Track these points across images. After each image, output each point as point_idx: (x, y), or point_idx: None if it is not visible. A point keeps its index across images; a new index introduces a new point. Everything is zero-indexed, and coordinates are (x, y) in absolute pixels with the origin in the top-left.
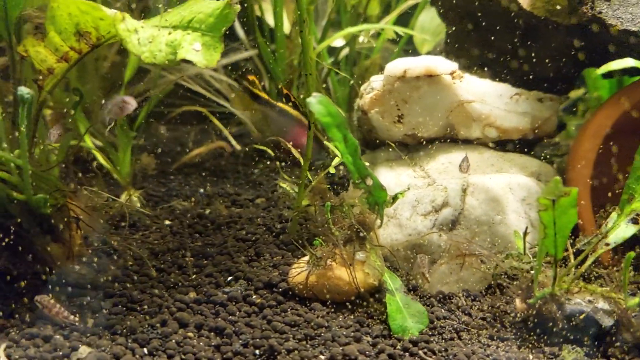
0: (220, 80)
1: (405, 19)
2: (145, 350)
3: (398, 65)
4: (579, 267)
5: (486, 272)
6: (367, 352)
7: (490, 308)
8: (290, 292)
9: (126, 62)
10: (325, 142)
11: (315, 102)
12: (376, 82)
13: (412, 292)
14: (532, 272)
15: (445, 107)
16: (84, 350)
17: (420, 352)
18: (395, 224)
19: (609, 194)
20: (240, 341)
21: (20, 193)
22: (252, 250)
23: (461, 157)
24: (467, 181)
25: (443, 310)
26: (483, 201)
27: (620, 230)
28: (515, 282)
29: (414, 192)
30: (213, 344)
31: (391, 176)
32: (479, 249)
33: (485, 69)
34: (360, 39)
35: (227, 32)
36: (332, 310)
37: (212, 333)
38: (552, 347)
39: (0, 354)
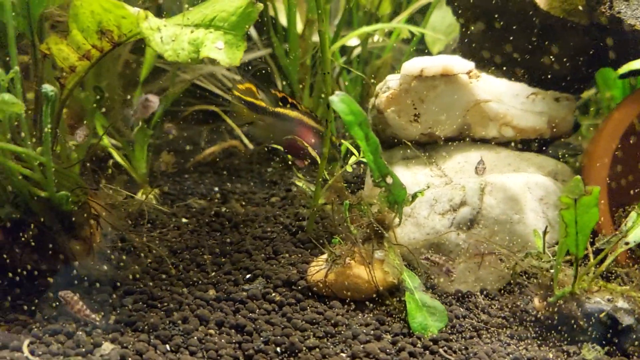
0: (233, 79)
1: (416, 19)
2: (167, 347)
3: (415, 65)
4: (598, 266)
5: (504, 271)
6: (387, 350)
7: (509, 307)
8: (309, 290)
9: (140, 61)
10: (341, 141)
11: (338, 100)
12: (392, 81)
13: (430, 291)
14: (552, 271)
15: (461, 107)
16: (106, 346)
17: (441, 350)
18: (412, 223)
19: (627, 194)
20: (262, 338)
21: (43, 190)
22: (269, 248)
23: (478, 156)
24: (485, 180)
25: (462, 309)
26: (501, 200)
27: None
28: (533, 281)
29: (432, 191)
30: (234, 341)
31: (408, 175)
32: (498, 247)
33: (503, 68)
34: (375, 38)
35: None
36: (352, 308)
37: (233, 330)
38: (572, 346)
39: (24, 350)
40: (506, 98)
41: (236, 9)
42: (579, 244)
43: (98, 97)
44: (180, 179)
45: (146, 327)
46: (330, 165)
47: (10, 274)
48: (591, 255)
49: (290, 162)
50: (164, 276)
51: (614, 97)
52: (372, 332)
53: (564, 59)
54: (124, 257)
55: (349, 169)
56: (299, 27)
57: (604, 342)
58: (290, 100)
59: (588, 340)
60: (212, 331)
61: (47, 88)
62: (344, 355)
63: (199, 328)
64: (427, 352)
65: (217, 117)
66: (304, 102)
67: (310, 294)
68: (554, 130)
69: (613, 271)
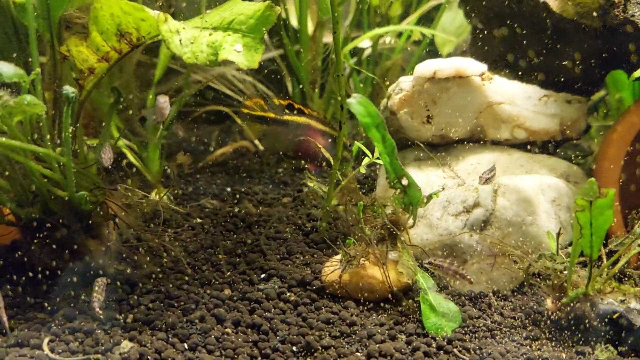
0: (244, 80)
1: (425, 21)
2: (185, 345)
3: (428, 67)
4: (611, 267)
5: (516, 273)
6: (402, 350)
7: (521, 307)
8: (323, 290)
9: (152, 62)
10: (352, 142)
11: (356, 102)
12: (405, 83)
13: (443, 292)
14: (566, 272)
15: (474, 108)
16: (126, 345)
17: (455, 350)
18: (425, 224)
19: (639, 196)
20: (278, 338)
21: (62, 190)
22: (283, 248)
23: (490, 157)
24: (498, 182)
25: (475, 310)
26: (514, 202)
27: None
28: (546, 282)
29: (445, 193)
30: (251, 340)
31: (420, 176)
32: (512, 249)
33: (515, 70)
34: (387, 40)
35: None
36: (366, 308)
37: (250, 329)
38: (585, 346)
39: (44, 348)
40: (519, 100)
41: (254, 12)
42: (593, 246)
43: (115, 98)
44: (193, 179)
45: (164, 326)
46: (343, 166)
47: (29, 273)
48: (604, 257)
49: (302, 164)
50: (179, 275)
51: (624, 99)
52: (386, 332)
53: (576, 62)
54: (140, 257)
55: (362, 170)
56: (310, 28)
57: (617, 343)
58: (296, 105)
59: (601, 341)
60: (228, 330)
61: (68, 89)
62: (359, 354)
63: (216, 327)
64: (442, 352)
65: (227, 118)
66: (314, 103)
67: (324, 294)
68: (566, 132)
69: (626, 273)
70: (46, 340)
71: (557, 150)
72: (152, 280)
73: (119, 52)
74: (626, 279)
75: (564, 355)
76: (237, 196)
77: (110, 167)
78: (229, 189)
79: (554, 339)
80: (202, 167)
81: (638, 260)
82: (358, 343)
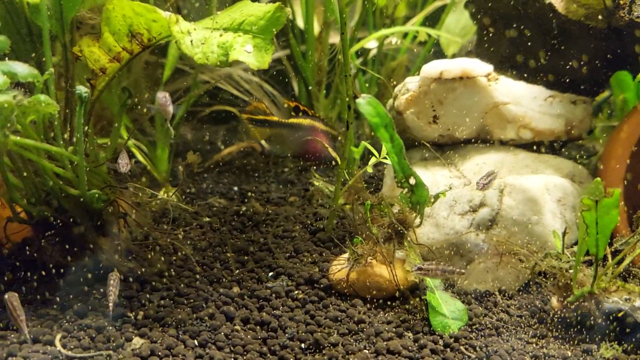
0: (250, 81)
1: (430, 21)
2: (195, 342)
3: (434, 67)
4: (616, 266)
5: (522, 271)
6: (410, 348)
7: (527, 306)
8: (331, 289)
9: (159, 62)
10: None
11: (365, 103)
12: (411, 83)
13: (449, 290)
14: (571, 271)
15: (480, 109)
16: (137, 341)
17: (462, 347)
18: (432, 224)
19: None
20: (287, 335)
21: (74, 189)
22: (290, 247)
23: (496, 157)
24: (504, 182)
25: (481, 308)
26: (520, 201)
27: None
28: (551, 281)
29: (451, 192)
30: (260, 337)
31: (427, 176)
32: (518, 248)
33: (520, 71)
34: (394, 40)
35: None
36: (373, 306)
37: (258, 327)
38: (590, 344)
39: (56, 344)
40: (524, 100)
41: (264, 13)
42: (599, 245)
43: (126, 98)
44: (200, 178)
45: (174, 323)
46: (349, 166)
47: (40, 270)
48: (609, 256)
49: (308, 164)
50: (189, 273)
51: (628, 99)
52: (394, 329)
53: (582, 63)
54: (150, 255)
55: (369, 169)
56: (316, 29)
57: (621, 341)
58: (301, 107)
59: (606, 338)
60: (238, 327)
61: (81, 89)
62: (367, 352)
63: (226, 324)
64: (449, 349)
65: (233, 117)
66: (320, 103)
67: (332, 292)
68: (571, 132)
69: (631, 271)
70: (58, 336)
71: (562, 151)
72: (161, 278)
73: (130, 52)
74: (631, 277)
75: (569, 353)
76: (244, 195)
77: (127, 172)
78: (235, 188)
79: (559, 337)
80: (209, 167)
81: None
82: (366, 340)
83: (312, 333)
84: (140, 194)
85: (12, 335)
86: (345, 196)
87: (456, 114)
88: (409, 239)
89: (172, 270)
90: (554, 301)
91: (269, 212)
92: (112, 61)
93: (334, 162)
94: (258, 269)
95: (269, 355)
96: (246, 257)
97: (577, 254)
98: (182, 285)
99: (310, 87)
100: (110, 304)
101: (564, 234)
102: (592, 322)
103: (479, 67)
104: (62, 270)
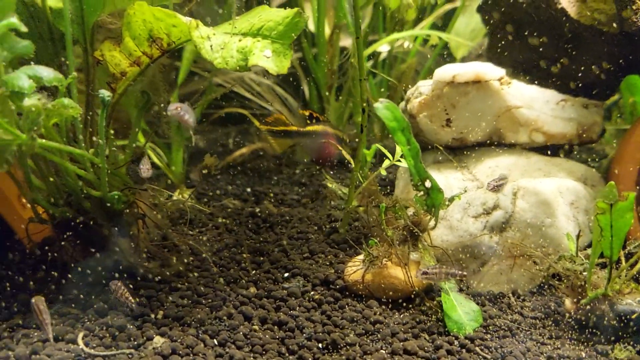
0: (260, 83)
1: (438, 25)
2: (215, 341)
3: (447, 71)
4: (630, 269)
5: (535, 274)
6: (426, 348)
7: (541, 308)
8: (346, 290)
9: (173, 65)
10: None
11: (383, 107)
12: (424, 87)
13: (463, 292)
14: (585, 273)
15: (493, 112)
16: (158, 340)
17: (477, 348)
18: (445, 226)
19: None
20: (304, 335)
21: (96, 190)
22: (305, 248)
23: (508, 161)
24: (517, 185)
25: (495, 309)
26: (534, 204)
27: None
28: (565, 283)
29: (465, 195)
30: (278, 337)
31: (440, 179)
32: (532, 250)
33: (531, 75)
34: (406, 44)
35: None
36: (389, 307)
37: (276, 327)
38: (604, 345)
39: (79, 342)
40: (536, 104)
41: (283, 18)
42: (613, 248)
43: (145, 100)
44: (213, 179)
45: (193, 322)
46: (363, 168)
47: (61, 269)
48: (623, 259)
49: (319, 167)
50: (206, 274)
51: (638, 103)
52: (409, 330)
53: (592, 66)
54: (168, 255)
55: (383, 172)
56: (327, 32)
57: (635, 342)
58: (315, 115)
59: (620, 340)
60: (256, 327)
61: (104, 93)
62: (384, 352)
63: (244, 324)
64: (464, 350)
65: (244, 120)
66: (331, 106)
67: (347, 293)
68: (583, 136)
69: None
70: (80, 334)
71: (572, 154)
72: (180, 278)
73: (150, 56)
74: None
75: (583, 354)
76: (258, 197)
77: (148, 177)
78: (249, 190)
79: (573, 338)
80: (221, 168)
81: None
82: (382, 341)
83: (329, 333)
84: (157, 196)
85: (36, 334)
86: (358, 198)
87: (469, 118)
88: (423, 241)
89: (189, 270)
90: (568, 303)
91: (282, 213)
92: (132, 65)
93: (339, 163)
94: (274, 270)
95: (287, 354)
96: (262, 258)
97: (591, 256)
98: (200, 285)
99: (320, 90)
100: (131, 300)
101: (578, 236)
102: (605, 323)
103: (491, 71)
104: (82, 270)
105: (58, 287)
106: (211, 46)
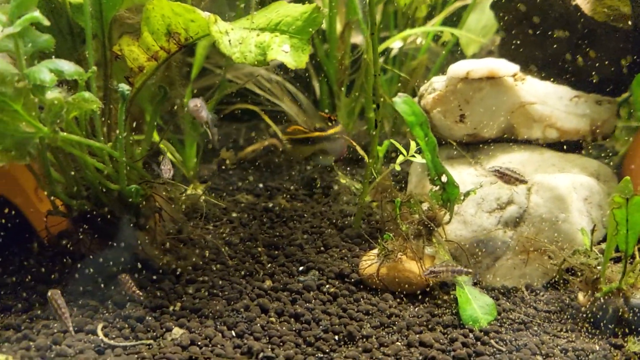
0: (270, 80)
1: (450, 21)
2: (233, 332)
3: (461, 67)
4: None
5: (548, 268)
6: (441, 341)
7: (554, 302)
8: (361, 283)
9: (185, 60)
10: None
11: (401, 102)
12: (438, 83)
13: (477, 286)
14: (599, 267)
15: (506, 108)
16: (177, 331)
17: (492, 341)
18: (459, 221)
19: None
20: (321, 327)
21: (114, 183)
22: (319, 242)
23: (522, 156)
24: (532, 180)
25: (508, 303)
26: (548, 199)
27: None
28: (578, 277)
29: (479, 190)
30: (294, 329)
31: (453, 174)
32: (546, 245)
33: (544, 71)
34: (418, 40)
35: None
36: (403, 300)
37: (292, 319)
38: (618, 339)
39: (99, 333)
40: (550, 100)
41: (301, 14)
42: (629, 242)
43: (162, 95)
44: (226, 174)
45: (211, 314)
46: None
47: (79, 262)
48: (637, 253)
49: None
50: (221, 267)
51: None
52: (424, 323)
53: (605, 63)
54: (184, 248)
55: (397, 167)
56: (338, 29)
57: None
58: (333, 117)
59: (633, 333)
60: (272, 319)
61: (124, 87)
62: (400, 344)
63: (261, 316)
64: (479, 342)
65: (254, 116)
66: (341, 101)
67: (362, 286)
68: (597, 132)
69: None
70: (100, 325)
71: (583, 151)
72: (196, 271)
73: (168, 51)
74: None
75: (597, 347)
76: (270, 192)
77: (170, 178)
78: (261, 185)
79: (587, 331)
80: (234, 164)
81: None
82: (398, 333)
83: (345, 325)
84: (172, 190)
85: (55, 325)
86: (372, 194)
87: (483, 113)
88: (437, 235)
89: (205, 263)
90: (581, 297)
91: (295, 208)
92: (149, 60)
93: (351, 159)
94: (289, 264)
95: (304, 346)
96: (277, 252)
97: (606, 250)
98: (216, 278)
99: (332, 86)
100: (137, 293)
101: (593, 231)
102: (619, 317)
103: (505, 67)
104: (99, 262)
105: (76, 279)
106: (229, 41)
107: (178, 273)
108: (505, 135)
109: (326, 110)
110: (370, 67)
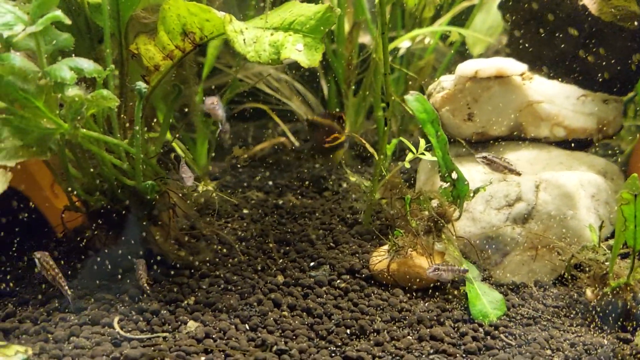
0: (279, 79)
1: (456, 22)
2: (247, 326)
3: (470, 66)
4: None
5: (556, 265)
6: (451, 335)
7: (562, 297)
8: (371, 279)
9: (196, 60)
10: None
11: (413, 99)
12: (446, 82)
13: (486, 282)
14: (607, 263)
15: (514, 107)
16: (191, 324)
17: (502, 335)
18: (468, 218)
19: None
20: (333, 321)
21: (130, 179)
22: (330, 238)
23: (530, 154)
24: (540, 177)
25: (517, 299)
26: (556, 197)
27: None
28: (586, 273)
29: (487, 187)
30: (307, 322)
31: (462, 171)
32: (555, 241)
33: (551, 70)
34: (426, 40)
35: None
36: (413, 296)
37: (304, 313)
38: (626, 333)
39: (115, 326)
40: (558, 99)
41: (314, 13)
42: (637, 237)
43: (176, 93)
44: (236, 172)
45: (224, 308)
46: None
47: (95, 256)
48: None
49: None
50: (234, 262)
51: None
52: (435, 317)
53: (611, 62)
54: (197, 244)
55: (407, 165)
56: (346, 28)
57: None
58: (341, 116)
59: None
60: (285, 313)
61: (141, 85)
62: (411, 338)
63: (273, 310)
64: (489, 337)
65: (263, 115)
66: (349, 100)
67: (373, 281)
68: (604, 130)
69: None
70: (116, 319)
71: (589, 149)
72: (209, 266)
73: (183, 50)
74: None
75: (605, 342)
76: (280, 189)
77: (192, 184)
78: (270, 182)
79: (595, 326)
80: (245, 161)
81: None
82: (409, 327)
83: (356, 320)
84: (184, 186)
85: (73, 317)
86: (381, 191)
87: (491, 112)
88: (447, 232)
89: (218, 258)
90: (589, 292)
91: (305, 205)
92: (165, 59)
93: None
94: (300, 259)
95: (317, 339)
96: (288, 248)
97: (614, 246)
98: (228, 272)
99: (340, 85)
100: (145, 285)
101: (601, 227)
102: (628, 312)
103: (513, 66)
104: (115, 257)
105: (92, 274)
106: (244, 40)
107: (191, 268)
108: (514, 133)
109: (337, 110)
110: (380, 66)
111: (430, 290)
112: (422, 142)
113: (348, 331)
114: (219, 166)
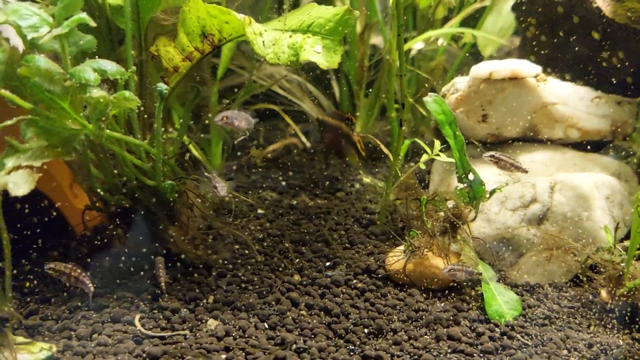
0: (290, 80)
1: (467, 23)
2: (265, 324)
3: (484, 68)
4: None
5: (571, 266)
6: (468, 334)
7: (577, 298)
8: (387, 279)
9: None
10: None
11: (432, 101)
12: (460, 83)
13: (501, 282)
14: (622, 264)
15: (528, 109)
16: (212, 322)
17: (518, 335)
18: (483, 219)
19: None
20: (350, 320)
21: (150, 180)
22: (345, 238)
23: (544, 156)
24: (554, 179)
25: (532, 299)
26: (571, 198)
27: None
28: (601, 274)
29: (503, 189)
30: (325, 321)
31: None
32: (570, 242)
33: (565, 72)
34: (439, 41)
35: None
36: (430, 296)
37: (322, 312)
38: None
39: (136, 324)
40: (572, 101)
41: (333, 15)
42: None
43: (194, 95)
44: (249, 173)
45: (243, 307)
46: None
47: (116, 256)
48: None
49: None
50: (251, 261)
51: None
52: (451, 317)
53: (625, 64)
54: (214, 243)
55: (422, 166)
56: (358, 29)
57: None
58: (351, 117)
59: None
60: (303, 312)
61: (162, 86)
62: (428, 337)
63: (291, 309)
64: (505, 337)
65: (275, 115)
66: (361, 101)
67: (389, 281)
68: (618, 132)
69: None
70: (137, 317)
71: (601, 151)
72: (226, 265)
73: (202, 52)
74: None
75: (620, 342)
76: (294, 190)
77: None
78: (284, 183)
79: (611, 327)
80: (263, 161)
81: None
82: (426, 327)
83: (374, 319)
84: (200, 187)
85: (94, 315)
86: (395, 192)
87: (505, 114)
88: (462, 233)
89: (235, 258)
90: (604, 293)
91: (320, 205)
92: (184, 60)
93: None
94: (316, 259)
95: (335, 338)
96: (304, 248)
97: (630, 247)
98: (246, 272)
99: (352, 87)
100: (162, 283)
101: (616, 228)
102: None
103: (528, 68)
104: (135, 256)
105: (112, 273)
106: (263, 42)
107: (210, 267)
108: (527, 135)
109: (349, 111)
110: (393, 68)
111: (446, 291)
112: (437, 143)
113: (366, 330)
114: (232, 166)
